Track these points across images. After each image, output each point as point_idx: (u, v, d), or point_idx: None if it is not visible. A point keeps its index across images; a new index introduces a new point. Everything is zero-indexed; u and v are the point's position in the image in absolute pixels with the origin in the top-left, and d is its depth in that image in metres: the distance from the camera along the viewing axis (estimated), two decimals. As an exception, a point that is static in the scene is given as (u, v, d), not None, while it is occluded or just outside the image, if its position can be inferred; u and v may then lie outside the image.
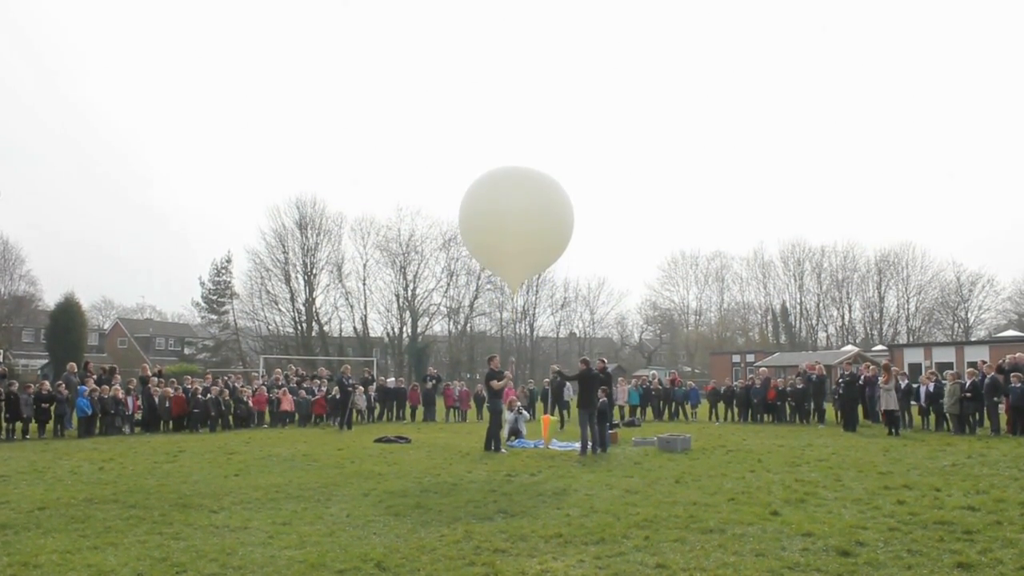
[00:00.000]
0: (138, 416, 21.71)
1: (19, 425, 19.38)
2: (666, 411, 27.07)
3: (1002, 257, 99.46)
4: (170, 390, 22.06)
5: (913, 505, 8.83)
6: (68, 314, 47.43)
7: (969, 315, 68.26)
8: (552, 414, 20.40)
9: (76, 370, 21.76)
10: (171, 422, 21.85)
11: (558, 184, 13.47)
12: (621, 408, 25.60)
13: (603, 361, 20.48)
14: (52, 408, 19.80)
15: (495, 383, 16.46)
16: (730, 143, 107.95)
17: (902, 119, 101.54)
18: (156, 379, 22.53)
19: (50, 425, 19.90)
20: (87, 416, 19.94)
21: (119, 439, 19.12)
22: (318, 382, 25.83)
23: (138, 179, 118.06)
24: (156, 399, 21.68)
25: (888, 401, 19.20)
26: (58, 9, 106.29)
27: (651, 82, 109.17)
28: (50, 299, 58.88)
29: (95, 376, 21.72)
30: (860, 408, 21.78)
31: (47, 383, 20.85)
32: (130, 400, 21.44)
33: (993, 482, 10.49)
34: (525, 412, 20.21)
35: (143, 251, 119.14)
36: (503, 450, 15.84)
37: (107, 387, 20.86)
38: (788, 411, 24.20)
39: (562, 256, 13.90)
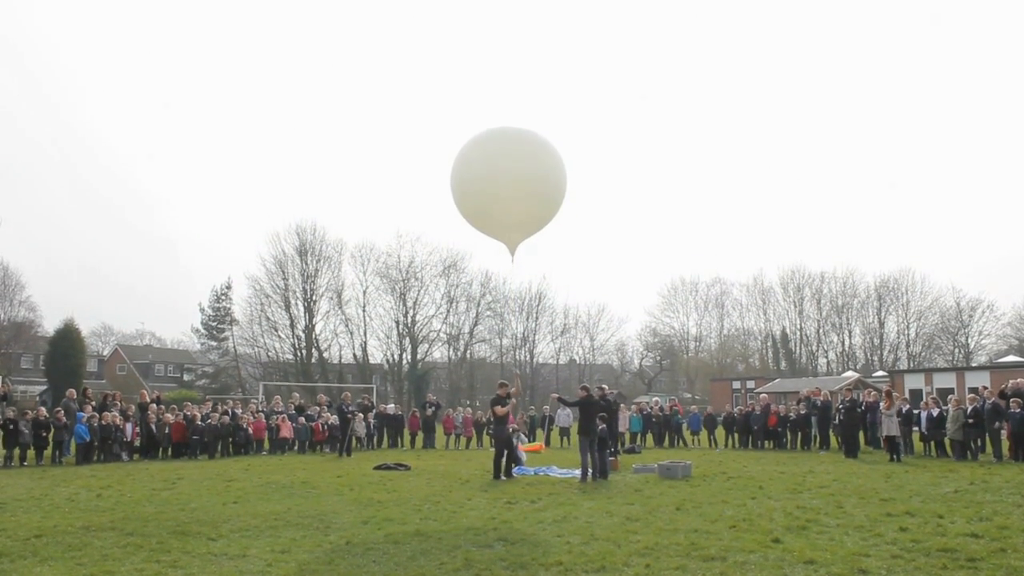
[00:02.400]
0: (137, 443, 21.62)
1: (17, 452, 19.29)
2: (666, 438, 26.97)
3: (1002, 283, 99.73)
4: (169, 416, 21.99)
5: (916, 532, 8.77)
6: (67, 340, 47.42)
7: (969, 341, 68.30)
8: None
9: (75, 396, 21.69)
10: (170, 449, 21.76)
11: (547, 141, 13.20)
12: (622, 435, 25.49)
13: (602, 388, 20.34)
14: (50, 435, 19.72)
15: (499, 409, 16.37)
16: (729, 169, 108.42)
17: (901, 145, 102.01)
18: (155, 405, 22.46)
19: (48, 452, 19.82)
20: (85, 443, 19.85)
21: (117, 466, 19.03)
22: (317, 409, 25.77)
23: (139, 205, 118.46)
24: (155, 426, 21.61)
25: (889, 427, 19.14)
26: (58, 35, 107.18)
27: (650, 109, 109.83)
28: (50, 325, 58.94)
29: (93, 402, 21.66)
30: (861, 435, 21.71)
31: (44, 409, 20.78)
32: (129, 427, 21.36)
33: (996, 509, 10.42)
34: (524, 438, 20.13)
35: (143, 277, 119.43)
36: (511, 476, 15.67)
37: (107, 414, 20.79)
38: (790, 437, 24.11)
39: (559, 212, 13.46)
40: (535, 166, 12.36)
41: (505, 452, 15.94)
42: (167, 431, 21.72)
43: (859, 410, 21.41)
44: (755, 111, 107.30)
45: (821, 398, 23.34)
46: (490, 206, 12.48)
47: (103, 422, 20.36)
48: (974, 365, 56.23)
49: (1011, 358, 51.51)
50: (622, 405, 28.35)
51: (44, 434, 19.65)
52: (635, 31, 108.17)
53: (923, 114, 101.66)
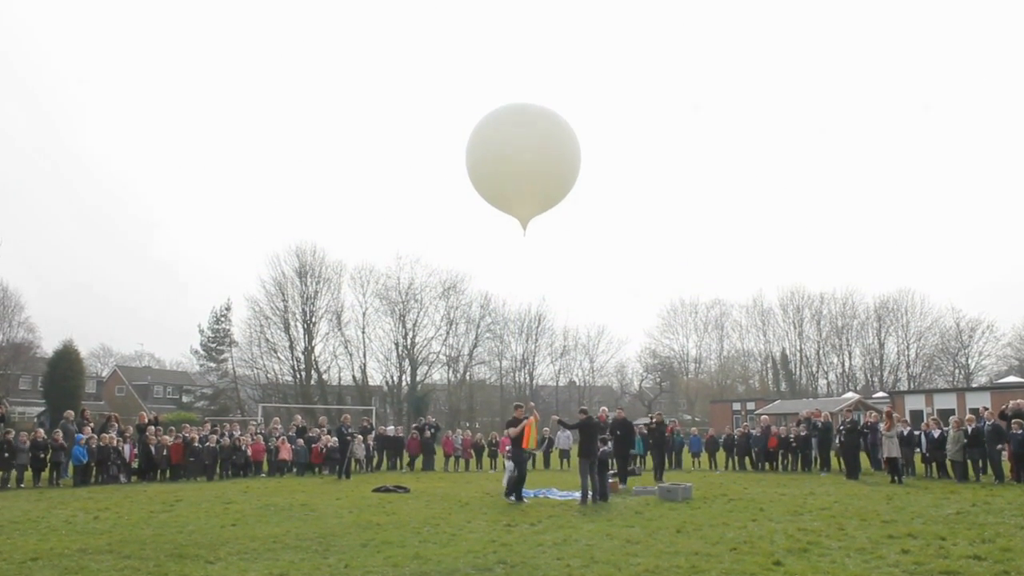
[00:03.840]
0: (135, 464, 21.52)
1: (14, 473, 19.20)
2: (666, 460, 26.84)
3: (1001, 303, 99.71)
4: (167, 438, 21.92)
5: (918, 554, 8.72)
6: (66, 361, 47.36)
7: (970, 361, 68.31)
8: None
9: (73, 418, 21.62)
10: (168, 471, 21.67)
11: (564, 120, 13.17)
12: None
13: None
14: (48, 456, 19.64)
15: (512, 430, 16.25)
16: (729, 191, 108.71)
17: (900, 165, 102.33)
18: (153, 427, 22.39)
19: (45, 474, 19.73)
20: (83, 464, 19.77)
21: (115, 488, 18.94)
22: (317, 431, 25.69)
23: (138, 226, 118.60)
24: (153, 447, 21.52)
25: (890, 448, 19.08)
26: (57, 57, 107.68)
27: (649, 131, 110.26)
28: (48, 346, 58.86)
29: (92, 424, 21.58)
30: (865, 456, 21.64)
31: (42, 431, 20.71)
32: (127, 448, 21.27)
33: (999, 531, 10.37)
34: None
35: (143, 299, 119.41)
36: (521, 499, 15.51)
37: (104, 435, 20.71)
38: (791, 459, 24.04)
39: (572, 189, 13.37)
40: (550, 143, 12.38)
41: (520, 475, 15.71)
42: (165, 453, 21.63)
43: (859, 431, 21.36)
44: (754, 133, 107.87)
45: (822, 419, 23.27)
46: (504, 180, 12.50)
47: (101, 443, 20.29)
48: (974, 386, 56.19)
49: (1011, 379, 51.38)
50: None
51: (42, 455, 19.57)
52: (631, 48, 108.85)
53: (920, 134, 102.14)
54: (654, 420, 21.47)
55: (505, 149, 12.37)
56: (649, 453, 23.65)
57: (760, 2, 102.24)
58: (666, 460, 23.26)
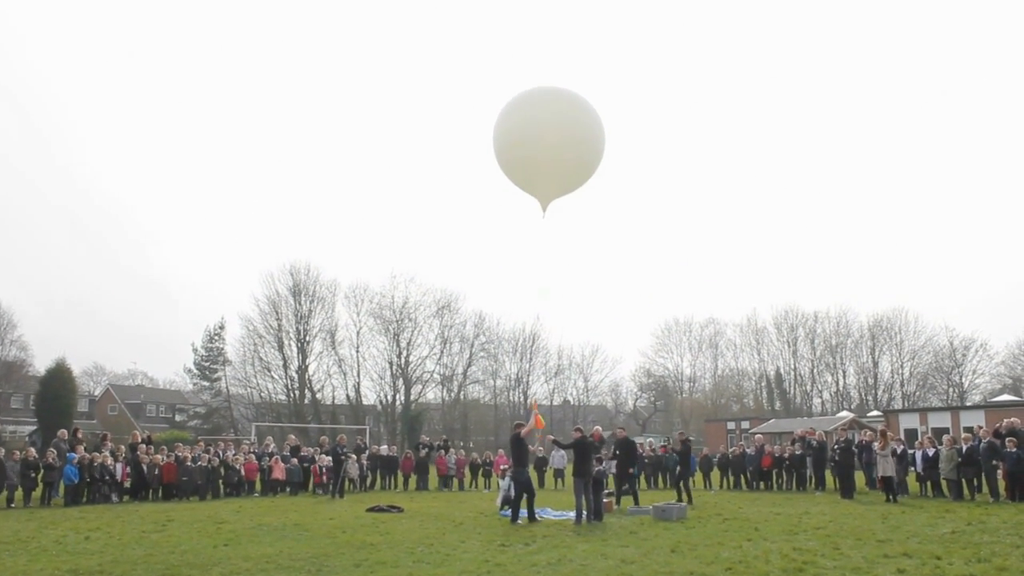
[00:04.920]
0: (126, 484, 21.38)
1: (4, 493, 19.05)
2: (660, 479, 26.80)
3: (995, 322, 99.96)
4: (159, 457, 21.80)
5: (914, 574, 8.70)
6: (59, 380, 47.11)
7: (964, 380, 68.38)
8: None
9: (66, 437, 21.49)
10: (160, 490, 21.54)
11: (592, 106, 13.25)
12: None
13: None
14: (39, 476, 19.52)
15: (523, 429, 16.14)
16: (722, 210, 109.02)
17: (892, 184, 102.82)
18: (145, 446, 22.27)
19: (36, 493, 19.59)
20: (74, 484, 19.64)
21: (107, 507, 18.82)
22: (312, 451, 25.59)
23: (131, 244, 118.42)
24: (145, 466, 21.40)
25: (885, 467, 19.06)
26: (51, 74, 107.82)
27: (643, 147, 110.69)
28: (41, 365, 58.51)
29: (84, 443, 21.45)
30: (861, 475, 21.61)
31: (33, 450, 20.60)
32: (119, 467, 21.13)
33: (995, 550, 10.35)
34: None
35: (136, 317, 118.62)
36: (534, 519, 15.34)
37: (97, 454, 20.58)
38: (785, 478, 24.01)
39: (593, 176, 13.41)
40: (577, 125, 12.46)
41: (525, 495, 15.47)
42: (157, 472, 21.51)
43: (854, 450, 21.35)
44: (747, 152, 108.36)
45: (816, 438, 23.27)
46: (529, 158, 12.56)
47: (93, 462, 20.16)
48: (969, 404, 56.22)
49: (1005, 397, 51.53)
50: (613, 447, 28.26)
51: (33, 474, 19.44)
52: (622, 69, 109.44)
53: (914, 154, 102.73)
54: (680, 439, 21.52)
55: (532, 127, 12.47)
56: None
57: (754, 17, 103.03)
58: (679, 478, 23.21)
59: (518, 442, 16.00)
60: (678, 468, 20.82)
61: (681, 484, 19.83)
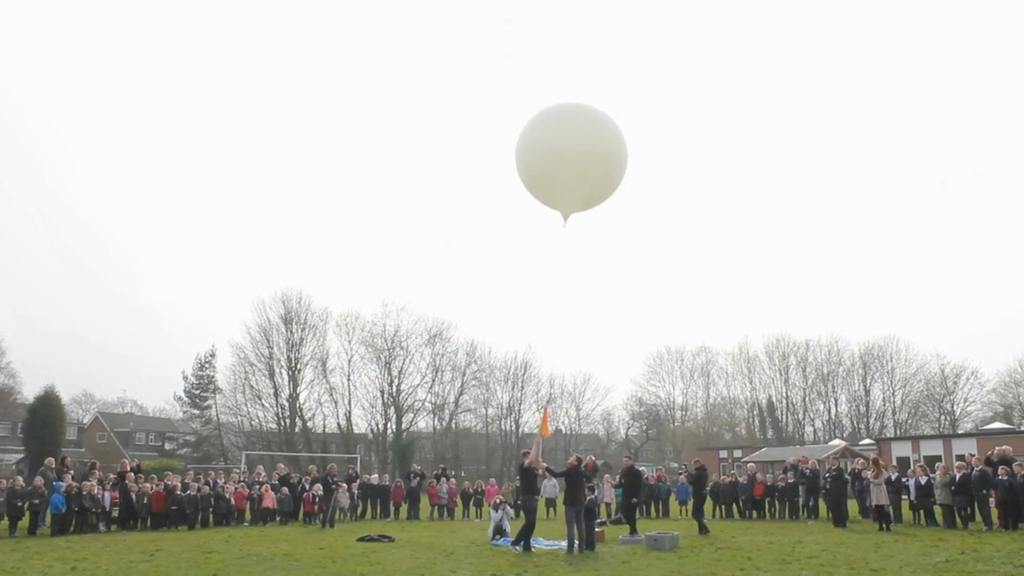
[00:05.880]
0: (114, 513, 21.18)
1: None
2: (653, 508, 26.69)
3: (985, 349, 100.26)
4: (148, 486, 21.61)
5: (907, 603, 8.65)
6: (47, 407, 46.73)
7: (955, 407, 68.47)
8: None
9: (54, 465, 21.31)
10: (148, 519, 21.33)
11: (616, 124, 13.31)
12: (607, 505, 25.24)
13: (591, 458, 20.22)
14: (25, 505, 19.31)
15: (528, 459, 15.98)
16: (714, 238, 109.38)
17: (883, 212, 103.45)
18: (134, 475, 22.09)
19: (23, 522, 19.37)
20: (61, 513, 19.43)
21: (94, 537, 18.62)
22: (302, 479, 25.41)
23: (122, 271, 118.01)
24: (134, 495, 21.21)
25: (878, 496, 19.01)
26: (42, 97, 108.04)
27: (635, 178, 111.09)
28: (29, 392, 58.03)
29: (72, 472, 21.26)
30: (851, 503, 21.54)
31: (20, 479, 20.41)
32: (107, 496, 20.93)
33: (987, 579, 10.32)
34: (510, 509, 19.84)
35: (126, 344, 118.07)
36: (531, 549, 15.20)
37: (84, 483, 20.39)
38: (778, 507, 23.94)
39: (616, 190, 13.43)
40: (601, 143, 12.54)
41: (528, 523, 15.31)
42: (146, 501, 21.31)
43: (845, 478, 21.33)
44: (739, 181, 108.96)
45: (810, 467, 23.26)
46: (551, 172, 12.62)
47: (81, 491, 19.97)
48: (960, 432, 56.30)
49: (997, 425, 51.60)
50: (606, 475, 28.16)
51: (19, 503, 19.24)
52: (614, 98, 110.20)
53: (905, 183, 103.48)
54: (695, 466, 21.45)
55: (557, 141, 12.53)
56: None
57: (739, 57, 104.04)
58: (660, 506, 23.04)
59: (525, 471, 15.94)
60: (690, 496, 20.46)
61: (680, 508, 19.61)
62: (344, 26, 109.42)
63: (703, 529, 18.51)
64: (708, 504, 25.98)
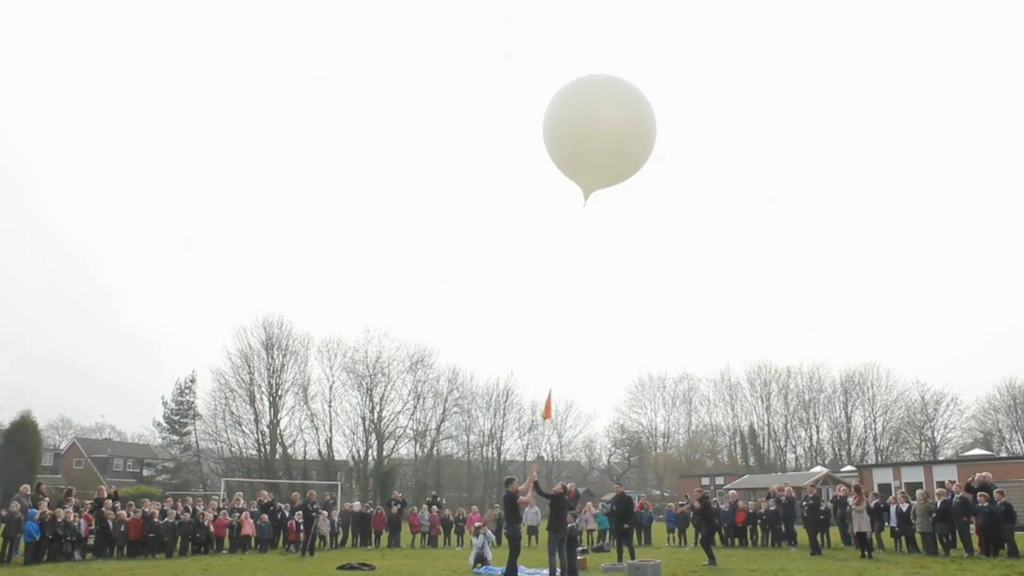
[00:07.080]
0: (91, 540, 20.85)
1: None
2: (636, 536, 26.54)
3: (965, 376, 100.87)
4: (125, 513, 21.32)
5: (889, 631, 8.65)
6: (23, 433, 46.22)
7: (936, 434, 68.86)
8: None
9: (29, 492, 20.99)
10: (125, 547, 21.02)
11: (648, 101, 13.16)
12: (590, 533, 25.13)
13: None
14: (0, 532, 19.00)
15: (514, 488, 15.83)
16: (695, 266, 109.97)
17: (862, 240, 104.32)
18: (111, 501, 21.79)
19: (-4, 551, 19.07)
20: (35, 541, 19.12)
21: (69, 565, 18.35)
22: (283, 507, 25.15)
23: (103, 295, 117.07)
24: (111, 522, 20.91)
25: (860, 523, 19.03)
26: (24, 120, 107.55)
27: (618, 202, 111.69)
28: (5, 417, 57.36)
29: (47, 499, 20.95)
30: (833, 530, 21.54)
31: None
32: (82, 523, 20.61)
33: (968, 606, 10.33)
34: (491, 534, 19.72)
35: (106, 368, 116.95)
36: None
37: (59, 510, 20.08)
38: (760, 534, 23.92)
39: (641, 169, 13.21)
40: (632, 118, 12.40)
41: (513, 549, 15.21)
42: (123, 528, 21.01)
43: (825, 507, 21.27)
44: (721, 208, 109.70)
45: (785, 494, 23.33)
46: (579, 143, 12.46)
47: (55, 518, 19.66)
48: (941, 459, 56.57)
49: (977, 451, 51.94)
50: (587, 503, 28.05)
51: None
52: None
53: (885, 212, 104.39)
54: (698, 497, 21.28)
55: (587, 112, 12.39)
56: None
57: (726, 80, 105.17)
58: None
59: (510, 500, 15.83)
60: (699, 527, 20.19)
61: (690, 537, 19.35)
62: (345, 27, 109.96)
63: (712, 559, 17.90)
64: (690, 531, 25.97)
